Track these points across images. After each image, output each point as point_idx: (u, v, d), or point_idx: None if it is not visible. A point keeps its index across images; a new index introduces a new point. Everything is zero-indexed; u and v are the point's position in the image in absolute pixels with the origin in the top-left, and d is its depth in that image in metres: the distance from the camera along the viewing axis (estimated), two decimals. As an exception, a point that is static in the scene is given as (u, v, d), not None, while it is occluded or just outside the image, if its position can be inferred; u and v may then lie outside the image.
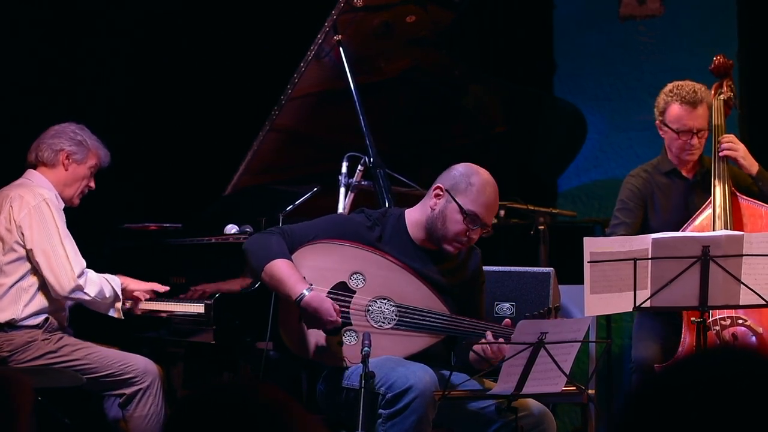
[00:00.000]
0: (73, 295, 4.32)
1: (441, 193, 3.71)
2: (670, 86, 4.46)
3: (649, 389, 1.31)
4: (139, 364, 4.34)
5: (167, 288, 4.53)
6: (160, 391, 4.34)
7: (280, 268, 3.59)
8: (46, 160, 4.46)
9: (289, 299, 3.56)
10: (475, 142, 5.36)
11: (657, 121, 4.49)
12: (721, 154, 4.40)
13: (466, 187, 3.68)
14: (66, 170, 4.47)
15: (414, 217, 3.79)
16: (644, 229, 4.44)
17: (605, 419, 5.02)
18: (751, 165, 4.45)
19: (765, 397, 1.24)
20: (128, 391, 4.31)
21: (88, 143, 4.51)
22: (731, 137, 4.46)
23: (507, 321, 3.63)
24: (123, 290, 4.46)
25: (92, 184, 4.56)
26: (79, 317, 4.53)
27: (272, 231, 3.74)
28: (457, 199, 3.67)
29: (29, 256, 4.34)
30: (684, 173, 4.53)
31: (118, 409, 4.37)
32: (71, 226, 4.42)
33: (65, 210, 4.44)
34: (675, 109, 4.40)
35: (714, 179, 4.39)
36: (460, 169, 3.74)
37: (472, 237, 3.69)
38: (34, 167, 4.49)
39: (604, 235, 4.62)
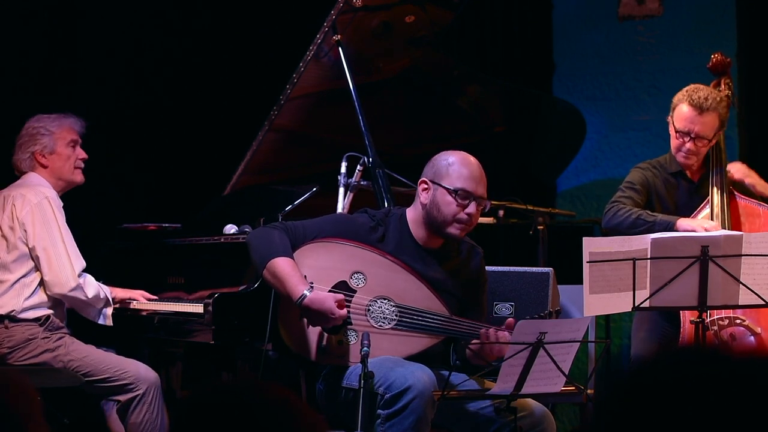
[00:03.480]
0: (71, 294, 4.32)
1: (426, 185, 3.73)
2: (689, 86, 4.46)
3: (624, 384, 1.31)
4: (135, 371, 4.31)
5: (155, 297, 4.56)
6: (157, 399, 4.30)
7: (281, 267, 3.59)
8: (28, 168, 4.50)
9: (291, 299, 3.56)
10: (474, 142, 5.35)
11: (668, 117, 4.50)
12: (736, 177, 4.46)
13: (447, 168, 3.70)
14: (46, 167, 4.48)
15: (412, 216, 3.79)
16: None
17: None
18: (765, 189, 4.49)
19: (739, 399, 1.24)
20: (123, 397, 4.29)
21: (49, 128, 4.49)
22: (739, 164, 4.52)
23: (510, 320, 3.62)
24: (113, 299, 4.48)
25: (82, 155, 4.55)
26: (79, 317, 4.53)
27: (275, 226, 3.74)
28: (442, 183, 3.68)
29: (31, 254, 4.35)
30: (689, 175, 4.52)
31: (116, 410, 4.37)
32: (71, 225, 4.43)
33: (66, 209, 4.45)
34: (683, 108, 4.40)
35: (711, 184, 4.40)
36: (438, 157, 3.77)
37: (471, 213, 3.68)
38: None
39: (603, 234, 4.62)
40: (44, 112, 4.57)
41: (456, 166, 3.69)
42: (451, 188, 3.66)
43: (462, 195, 3.66)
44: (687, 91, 4.43)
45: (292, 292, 3.55)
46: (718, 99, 4.40)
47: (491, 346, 3.50)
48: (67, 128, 4.52)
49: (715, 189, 4.39)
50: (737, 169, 4.51)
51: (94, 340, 4.44)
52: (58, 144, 4.49)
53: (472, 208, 3.68)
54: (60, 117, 4.54)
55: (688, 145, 4.40)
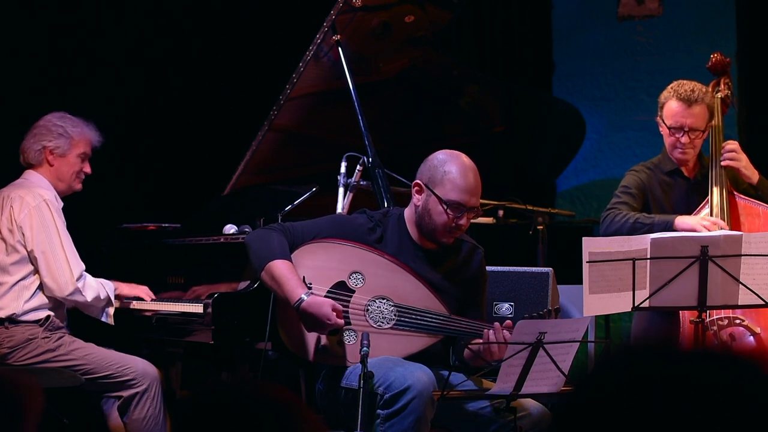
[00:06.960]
0: (70, 298, 4.32)
1: (420, 188, 3.71)
2: (673, 83, 4.48)
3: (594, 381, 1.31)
4: (137, 367, 4.33)
5: (153, 297, 4.57)
6: (158, 394, 4.33)
7: (279, 269, 3.59)
8: (32, 160, 4.49)
9: (288, 302, 3.56)
10: (474, 142, 5.36)
11: (657, 117, 4.50)
12: (723, 164, 4.41)
13: (442, 177, 3.65)
14: (52, 166, 4.48)
15: (409, 215, 3.79)
16: None
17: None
18: (752, 174, 4.46)
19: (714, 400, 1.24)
20: (126, 393, 4.30)
21: (69, 132, 4.49)
22: (735, 146, 4.45)
23: (508, 322, 3.61)
24: (116, 295, 4.48)
25: (87, 169, 4.56)
26: (79, 317, 4.53)
27: (274, 228, 3.74)
28: (435, 191, 3.65)
29: (30, 257, 4.35)
30: (685, 173, 4.53)
31: (116, 409, 4.37)
32: (70, 225, 4.43)
33: (65, 210, 4.45)
34: (671, 105, 4.41)
35: (711, 183, 4.39)
36: (435, 159, 3.71)
37: (461, 223, 3.67)
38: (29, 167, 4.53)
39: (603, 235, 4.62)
40: (43, 112, 4.57)
41: (452, 176, 3.64)
42: (444, 199, 3.64)
43: (454, 207, 3.64)
44: (672, 88, 4.44)
45: (290, 295, 3.55)
46: (704, 90, 4.42)
47: (491, 347, 3.50)
48: (86, 140, 4.53)
49: (715, 189, 4.38)
50: (730, 150, 4.44)
51: (93, 340, 4.44)
52: (72, 151, 4.50)
53: (463, 219, 3.67)
54: (83, 125, 4.54)
55: (683, 139, 4.40)
